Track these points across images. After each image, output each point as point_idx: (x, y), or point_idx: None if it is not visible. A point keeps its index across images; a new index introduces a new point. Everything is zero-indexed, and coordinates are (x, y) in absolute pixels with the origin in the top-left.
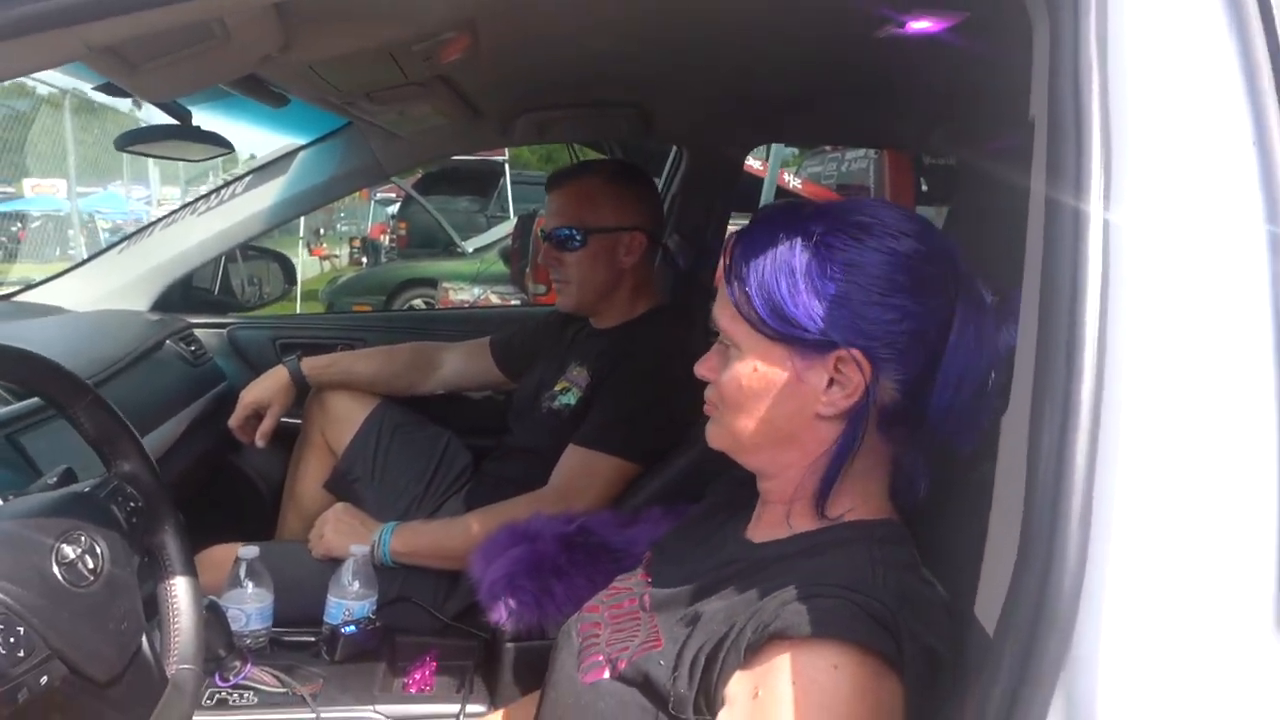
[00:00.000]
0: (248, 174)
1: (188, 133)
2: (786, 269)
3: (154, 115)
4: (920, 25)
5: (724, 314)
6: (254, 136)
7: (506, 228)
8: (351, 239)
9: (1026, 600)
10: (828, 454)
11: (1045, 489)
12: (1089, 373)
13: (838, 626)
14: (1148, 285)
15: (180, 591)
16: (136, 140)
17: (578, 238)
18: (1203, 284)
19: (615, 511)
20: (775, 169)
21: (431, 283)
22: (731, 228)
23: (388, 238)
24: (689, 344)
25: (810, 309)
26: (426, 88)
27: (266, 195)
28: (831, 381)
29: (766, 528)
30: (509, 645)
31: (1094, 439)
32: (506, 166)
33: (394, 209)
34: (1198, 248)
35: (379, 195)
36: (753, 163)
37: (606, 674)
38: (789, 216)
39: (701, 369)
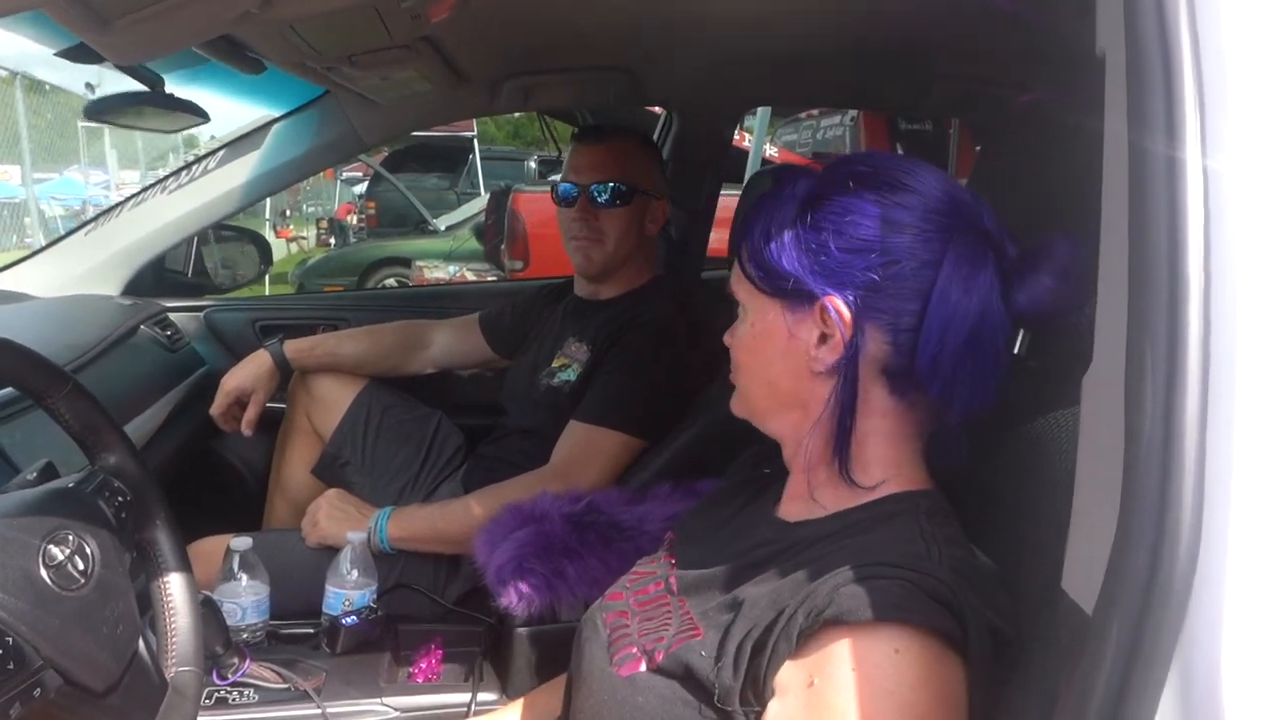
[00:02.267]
0: (219, 149)
1: (161, 100)
2: (778, 223)
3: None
4: None
5: (734, 277)
6: (227, 107)
7: (478, 204)
8: (319, 220)
9: (1134, 576)
10: (830, 414)
11: (1150, 456)
12: (1195, 329)
13: (898, 608)
14: (1256, 235)
15: (175, 589)
16: (105, 108)
17: (625, 195)
18: None
19: (621, 489)
20: (761, 137)
21: (404, 262)
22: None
23: (356, 218)
24: (690, 315)
25: (793, 259)
26: (412, 50)
27: (240, 171)
28: (823, 337)
29: (798, 503)
30: (520, 630)
31: (1204, 400)
32: (475, 142)
33: (361, 188)
34: None
35: (345, 175)
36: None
37: (643, 666)
38: (790, 175)
39: (726, 336)
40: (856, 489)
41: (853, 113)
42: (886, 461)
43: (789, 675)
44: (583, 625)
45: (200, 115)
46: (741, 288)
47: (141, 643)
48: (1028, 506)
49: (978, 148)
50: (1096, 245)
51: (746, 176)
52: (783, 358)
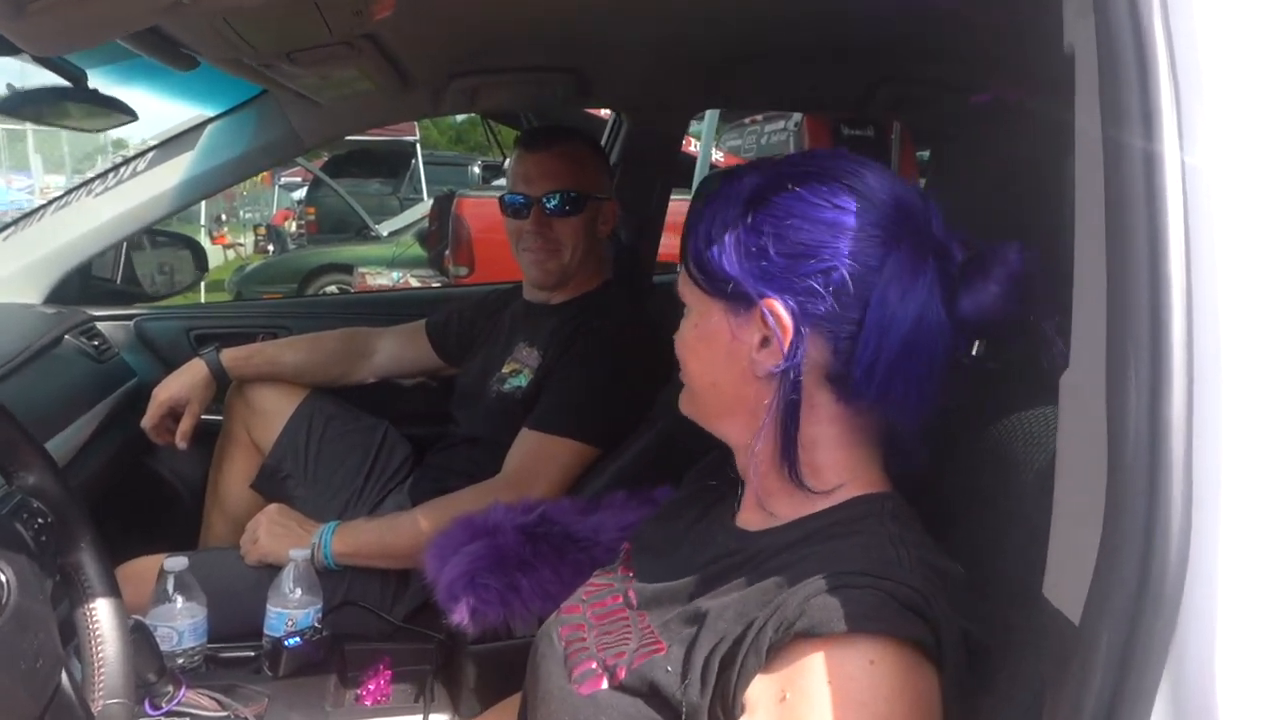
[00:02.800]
0: (150, 150)
1: (85, 96)
2: (721, 224)
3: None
4: None
5: (681, 279)
6: (158, 107)
7: (422, 209)
8: (256, 226)
9: (1122, 583)
10: (774, 417)
11: (1136, 457)
12: (1178, 326)
13: (871, 618)
14: (1237, 230)
15: (103, 615)
16: (23, 104)
17: (577, 203)
18: None
19: (574, 498)
20: (709, 141)
21: (345, 268)
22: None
23: (295, 223)
24: (643, 319)
25: (733, 262)
26: (353, 48)
27: (173, 172)
28: (765, 340)
29: (756, 512)
30: (473, 648)
31: (1190, 398)
32: (418, 147)
33: (300, 194)
34: None
35: (283, 180)
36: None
37: (605, 683)
38: (739, 174)
39: (677, 338)
40: (813, 495)
41: (797, 117)
42: (839, 466)
43: (759, 690)
44: (538, 641)
45: (128, 113)
46: (687, 289)
47: (65, 675)
48: (991, 509)
49: (920, 152)
50: (1054, 247)
51: (695, 181)
52: (726, 360)
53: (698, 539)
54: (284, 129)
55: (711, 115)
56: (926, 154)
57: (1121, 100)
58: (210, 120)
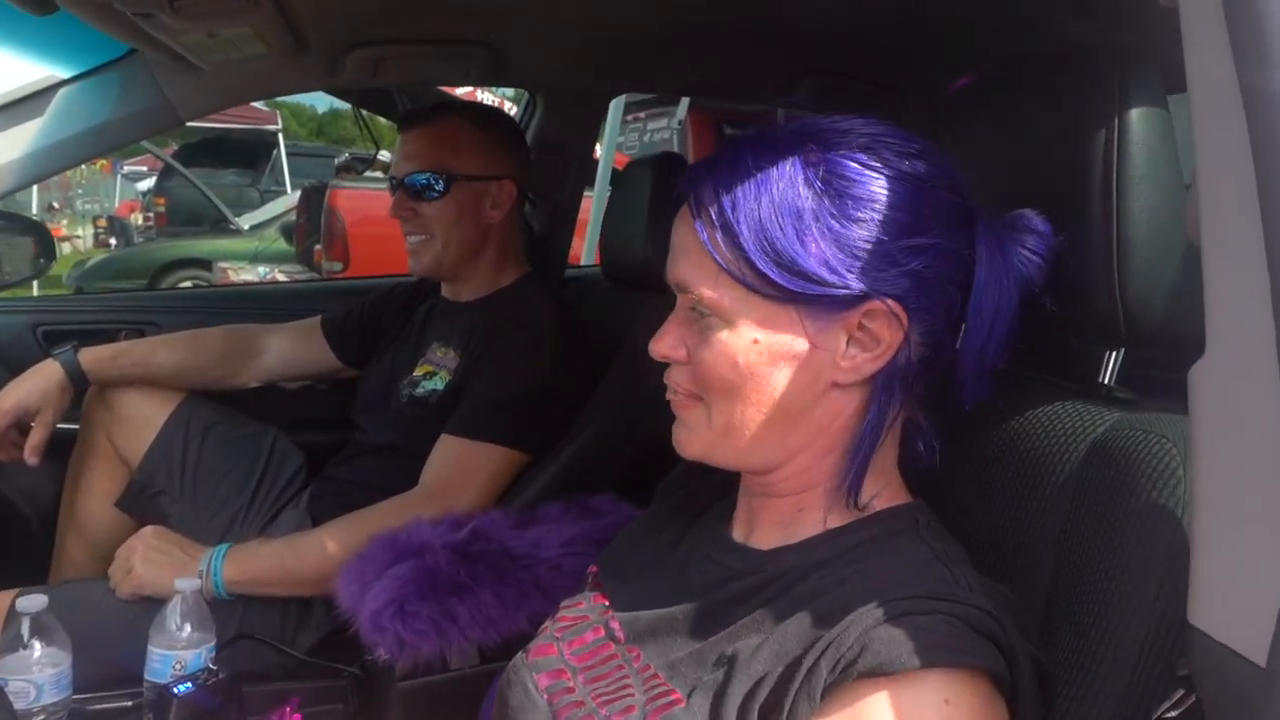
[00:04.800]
0: None
1: None
2: (791, 210)
3: None
4: None
5: (699, 275)
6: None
7: (285, 202)
8: (96, 218)
9: None
10: (846, 429)
11: None
12: None
13: (945, 649)
14: None
15: None
16: None
17: (438, 185)
18: None
19: (506, 510)
20: (615, 131)
21: (202, 263)
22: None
23: (142, 216)
24: (571, 315)
25: (829, 258)
26: (249, 1)
27: (14, 143)
28: (850, 341)
29: (771, 526)
30: (403, 684)
31: None
32: (280, 137)
33: (146, 184)
34: None
35: (126, 169)
36: None
37: None
38: (768, 143)
39: (661, 347)
40: (844, 509)
41: (680, 115)
42: (878, 472)
43: None
44: (506, 690)
45: None
46: (724, 290)
47: None
48: (1010, 512)
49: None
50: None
51: (599, 177)
52: (797, 374)
53: (688, 559)
54: (155, 97)
55: (615, 108)
56: None
57: (1267, 40)
58: (63, 83)
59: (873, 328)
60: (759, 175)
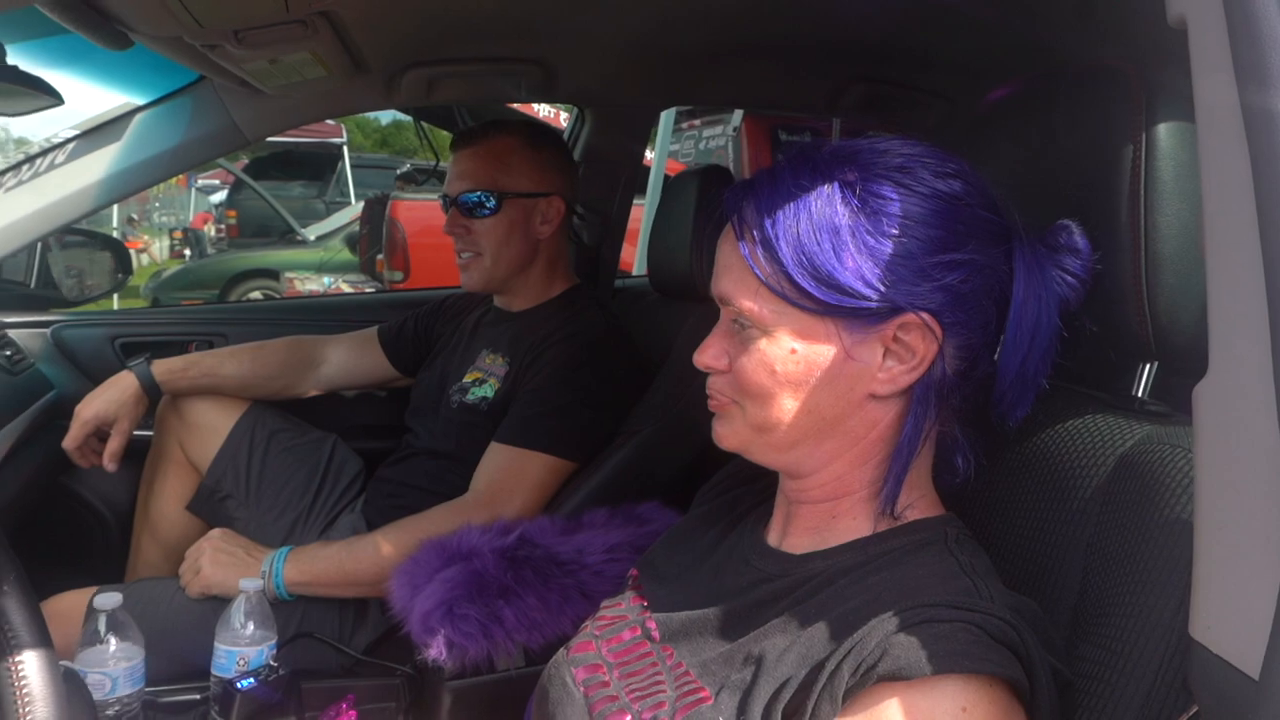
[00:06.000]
0: (69, 140)
1: (4, 74)
2: (828, 227)
3: None
4: None
5: (741, 289)
6: (77, 92)
7: (350, 213)
8: (173, 230)
9: None
10: (882, 440)
11: None
12: None
13: (965, 656)
14: None
15: (30, 670)
16: None
17: (490, 203)
18: None
19: (553, 517)
20: (665, 142)
21: (270, 274)
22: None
23: (214, 227)
24: (619, 325)
25: (865, 272)
26: (308, 27)
27: (97, 166)
28: (886, 353)
29: (805, 533)
30: (451, 684)
31: None
32: (345, 149)
33: (218, 196)
34: None
35: (199, 182)
36: None
37: None
38: (806, 163)
39: (705, 358)
40: (877, 518)
41: (736, 122)
42: (912, 483)
43: None
44: (547, 684)
45: (53, 96)
46: (763, 303)
47: None
48: (1039, 525)
49: None
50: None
51: (650, 186)
52: (833, 382)
53: (722, 563)
54: (223, 120)
55: (666, 118)
56: None
57: (1266, 64)
58: (139, 109)
59: (908, 340)
60: (798, 194)
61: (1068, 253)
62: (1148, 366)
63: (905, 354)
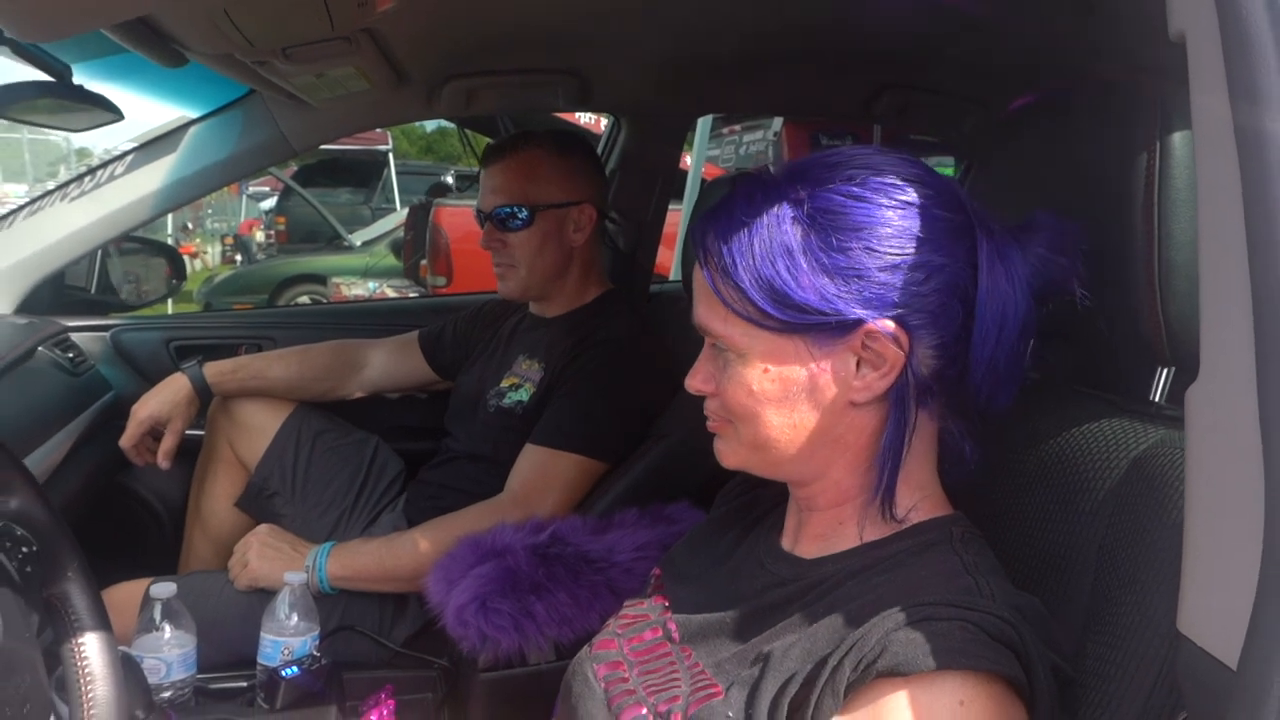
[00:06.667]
0: (128, 153)
1: (68, 92)
2: (781, 249)
3: None
4: None
5: (712, 315)
6: (136, 106)
7: (395, 219)
8: (224, 236)
9: None
10: (872, 445)
11: None
12: None
13: (960, 654)
14: None
15: (92, 651)
16: (3, 100)
17: (522, 215)
18: None
19: (585, 516)
20: (702, 149)
21: (317, 279)
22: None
23: (264, 233)
24: (650, 330)
25: (821, 288)
26: (351, 44)
27: (154, 176)
28: (860, 362)
29: (815, 539)
30: (484, 676)
31: None
32: (391, 156)
33: (268, 203)
34: None
35: (250, 189)
36: None
37: None
38: (759, 187)
39: (695, 383)
40: (881, 521)
41: (776, 127)
42: (914, 484)
43: None
44: (570, 679)
45: (112, 111)
46: (733, 327)
47: (53, 718)
48: (1051, 527)
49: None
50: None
51: (688, 192)
52: (811, 395)
53: (739, 566)
54: (272, 131)
55: (704, 124)
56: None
57: (1257, 83)
58: (193, 122)
59: (876, 348)
60: (750, 219)
61: (1040, 230)
62: (1165, 371)
63: (877, 361)
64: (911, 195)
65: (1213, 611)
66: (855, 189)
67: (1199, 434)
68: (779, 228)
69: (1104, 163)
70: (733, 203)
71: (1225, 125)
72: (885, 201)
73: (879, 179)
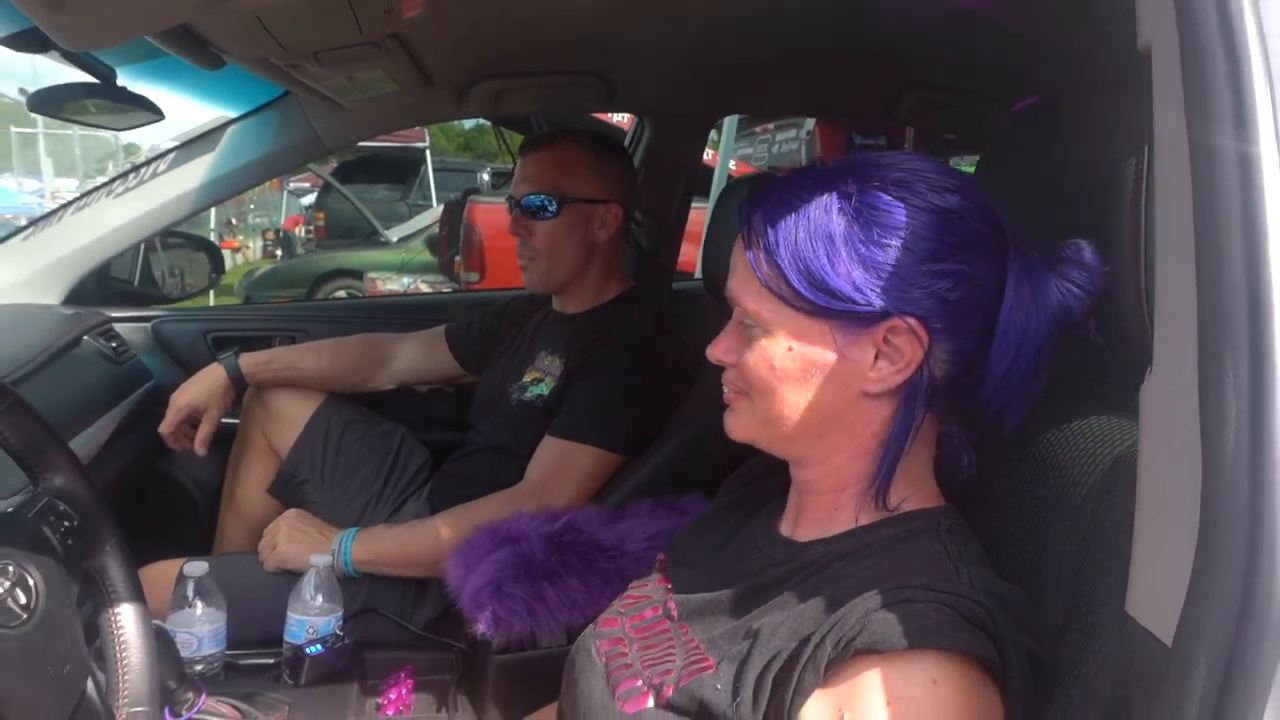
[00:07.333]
0: (170, 151)
1: (112, 93)
2: (824, 235)
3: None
4: None
5: (746, 290)
6: (178, 107)
7: (431, 216)
8: (265, 231)
9: (1222, 603)
10: (878, 436)
11: (1236, 468)
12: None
13: (935, 634)
14: None
15: (128, 622)
16: (50, 100)
17: (552, 206)
18: None
19: (600, 506)
20: (728, 149)
21: (354, 274)
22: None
23: (304, 229)
24: (667, 327)
25: (856, 278)
26: (380, 48)
27: (194, 174)
28: (878, 355)
29: (812, 523)
30: (498, 658)
31: None
32: (428, 153)
33: (309, 199)
34: None
35: (292, 185)
36: None
37: (651, 702)
38: (811, 176)
39: (716, 352)
40: (875, 509)
41: (809, 126)
42: (909, 478)
43: (816, 709)
44: (574, 655)
45: (154, 112)
46: (765, 304)
47: (90, 682)
48: (1041, 520)
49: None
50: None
51: (713, 190)
52: (829, 379)
53: (739, 549)
54: (306, 131)
55: (730, 123)
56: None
57: (1211, 98)
58: (232, 122)
59: (897, 343)
60: (800, 204)
61: (1073, 265)
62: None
63: (895, 355)
64: (953, 205)
65: (1155, 594)
66: (902, 191)
67: (1147, 429)
68: (826, 215)
69: (1093, 166)
70: (785, 187)
71: (1180, 139)
72: (925, 206)
73: (925, 185)
